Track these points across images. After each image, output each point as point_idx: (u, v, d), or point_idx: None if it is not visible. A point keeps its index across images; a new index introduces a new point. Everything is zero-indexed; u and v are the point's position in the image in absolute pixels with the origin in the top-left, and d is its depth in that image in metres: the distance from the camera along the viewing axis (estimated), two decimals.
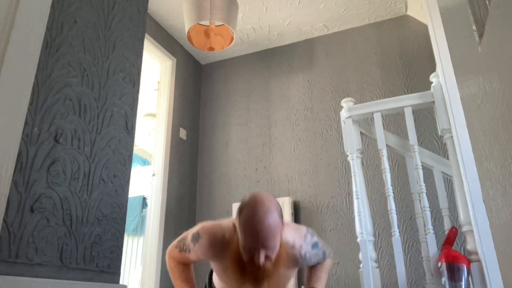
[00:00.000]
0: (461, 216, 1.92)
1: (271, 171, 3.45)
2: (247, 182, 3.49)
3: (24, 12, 1.16)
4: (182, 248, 1.51)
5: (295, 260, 1.40)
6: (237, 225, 1.29)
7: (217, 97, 3.98)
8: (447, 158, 2.20)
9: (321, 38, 3.72)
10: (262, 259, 1.24)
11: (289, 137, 3.50)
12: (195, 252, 1.45)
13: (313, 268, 1.55)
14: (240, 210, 1.28)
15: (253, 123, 3.70)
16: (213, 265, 1.53)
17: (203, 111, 4.00)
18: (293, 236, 1.41)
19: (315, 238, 1.49)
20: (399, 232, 2.55)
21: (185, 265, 1.55)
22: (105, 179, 1.46)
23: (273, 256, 1.27)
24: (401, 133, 3.03)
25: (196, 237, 1.44)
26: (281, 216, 1.30)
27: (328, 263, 1.57)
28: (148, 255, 3.09)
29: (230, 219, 1.47)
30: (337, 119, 3.38)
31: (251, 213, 1.23)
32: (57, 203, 1.25)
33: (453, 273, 1.80)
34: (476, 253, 1.80)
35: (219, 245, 1.38)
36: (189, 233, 1.51)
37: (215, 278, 1.66)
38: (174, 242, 1.56)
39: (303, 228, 1.50)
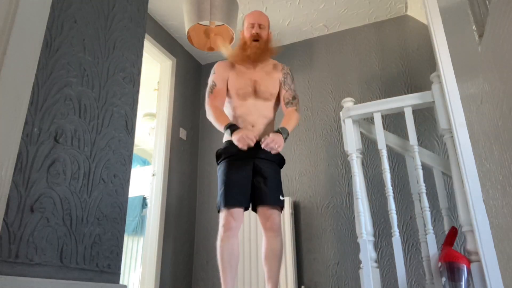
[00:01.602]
0: (461, 216, 1.92)
1: None
2: None
3: (24, 12, 1.16)
4: (211, 89, 2.23)
5: (277, 65, 2.32)
6: (243, 24, 2.33)
7: None
8: (447, 158, 2.20)
9: (321, 38, 3.72)
10: (257, 29, 2.23)
11: (289, 137, 3.50)
12: (218, 76, 2.24)
13: (286, 117, 2.15)
14: (246, 16, 2.35)
15: None
16: (229, 80, 2.23)
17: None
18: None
19: (292, 72, 2.38)
20: (399, 232, 2.55)
21: (218, 106, 2.17)
22: (105, 179, 1.46)
23: (263, 36, 2.25)
24: (401, 133, 3.03)
25: (213, 71, 2.30)
26: (269, 25, 2.34)
27: (296, 115, 2.17)
28: (148, 255, 3.09)
29: None
30: (337, 119, 3.37)
31: (253, 11, 2.35)
32: (57, 203, 1.25)
33: (453, 273, 1.80)
34: (476, 253, 1.80)
35: (226, 61, 2.29)
36: (209, 81, 2.29)
37: (229, 113, 2.23)
38: (206, 97, 2.23)
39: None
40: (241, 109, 2.16)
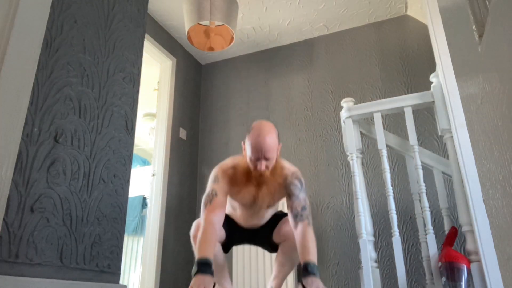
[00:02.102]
0: (461, 216, 1.92)
1: None
2: None
3: (24, 12, 1.16)
4: (210, 198, 1.82)
5: (284, 177, 1.86)
6: (246, 144, 1.79)
7: (217, 97, 3.98)
8: (447, 158, 2.20)
9: (321, 38, 3.72)
10: (263, 167, 1.75)
11: (289, 137, 3.50)
12: (221, 188, 1.84)
13: (302, 242, 1.72)
14: (249, 132, 1.78)
15: (253, 123, 3.70)
16: (230, 194, 1.89)
17: (203, 111, 4.00)
18: (288, 165, 1.92)
19: (302, 180, 1.92)
20: (399, 232, 2.55)
21: (213, 223, 1.75)
22: (105, 179, 1.46)
23: (270, 166, 1.78)
24: (401, 133, 3.03)
25: (216, 179, 1.87)
26: (278, 138, 1.83)
27: (311, 233, 1.75)
28: (148, 255, 3.09)
29: (232, 159, 1.94)
30: (337, 119, 3.37)
31: (257, 134, 1.73)
32: (57, 203, 1.25)
33: (453, 273, 1.80)
34: (476, 253, 1.80)
35: (231, 171, 1.86)
36: (207, 187, 1.88)
37: (228, 209, 2.01)
38: (202, 206, 1.83)
39: (297, 168, 1.95)
40: (242, 212, 1.98)
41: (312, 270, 1.61)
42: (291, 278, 2.84)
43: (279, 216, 2.03)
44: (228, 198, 1.92)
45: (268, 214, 2.00)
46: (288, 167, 1.91)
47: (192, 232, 1.86)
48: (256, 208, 1.92)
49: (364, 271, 2.01)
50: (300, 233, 1.74)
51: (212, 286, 1.52)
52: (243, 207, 1.94)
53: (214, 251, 1.75)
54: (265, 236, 1.99)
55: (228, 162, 1.91)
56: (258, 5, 3.32)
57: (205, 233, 1.68)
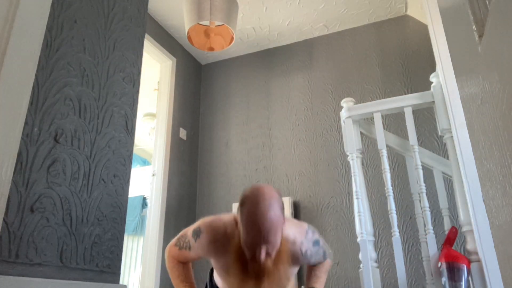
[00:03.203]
0: (461, 216, 1.92)
1: (271, 171, 3.45)
2: (247, 182, 3.49)
3: (24, 12, 1.16)
4: (182, 246, 1.48)
5: (295, 257, 1.37)
6: (238, 220, 1.26)
7: (217, 97, 3.98)
8: (447, 158, 2.20)
9: (321, 38, 3.72)
10: (263, 255, 1.21)
11: (289, 137, 3.50)
12: (196, 249, 1.42)
13: (313, 268, 1.51)
14: (242, 204, 1.25)
15: (253, 123, 3.70)
16: (214, 263, 1.48)
17: (203, 111, 4.00)
18: (294, 232, 1.38)
19: (316, 236, 1.45)
20: (399, 232, 2.55)
21: (184, 264, 1.52)
22: (105, 179, 1.46)
23: (274, 252, 1.24)
24: (401, 133, 3.03)
25: (197, 232, 1.41)
26: (283, 210, 1.27)
27: (328, 264, 1.53)
28: (148, 255, 3.09)
29: (231, 214, 1.44)
30: (337, 119, 3.37)
31: (253, 208, 1.20)
32: (57, 203, 1.25)
33: (453, 273, 1.80)
34: (476, 253, 1.80)
35: (220, 241, 1.34)
36: (189, 230, 1.48)
37: (216, 277, 1.62)
38: (174, 240, 1.53)
39: (304, 225, 1.46)
40: None
41: None
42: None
43: None
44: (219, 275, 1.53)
45: None
46: (295, 236, 1.38)
47: (168, 264, 1.58)
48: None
49: (364, 271, 2.01)
50: (317, 266, 1.51)
51: None
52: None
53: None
54: None
55: (220, 225, 1.38)
56: (258, 5, 3.32)
57: (181, 276, 1.50)
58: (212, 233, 1.37)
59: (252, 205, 1.21)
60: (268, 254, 1.23)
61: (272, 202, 1.23)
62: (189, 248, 1.44)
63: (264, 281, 1.26)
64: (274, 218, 1.21)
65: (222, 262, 1.40)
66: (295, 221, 1.51)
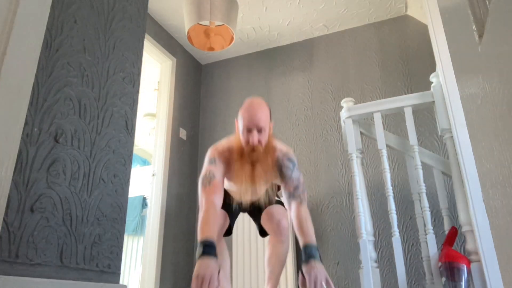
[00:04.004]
0: (461, 216, 1.92)
1: None
2: None
3: (24, 12, 1.17)
4: (210, 179, 1.79)
5: (275, 160, 1.84)
6: (239, 118, 1.81)
7: (217, 97, 3.98)
8: (447, 158, 2.20)
9: (321, 38, 3.72)
10: (255, 139, 1.73)
11: (289, 137, 3.50)
12: (218, 169, 1.82)
13: (298, 224, 1.73)
14: (241, 108, 1.81)
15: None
16: (226, 175, 1.88)
17: (203, 111, 4.00)
18: (280, 145, 1.90)
19: (294, 159, 1.90)
20: (399, 232, 2.55)
21: (215, 203, 1.74)
22: (105, 179, 1.46)
23: (263, 140, 1.77)
24: (401, 133, 3.03)
25: (213, 160, 1.84)
26: (269, 112, 1.83)
27: (304, 213, 1.76)
28: (148, 255, 3.09)
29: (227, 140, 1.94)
30: (337, 119, 3.37)
31: (249, 104, 1.79)
32: (57, 203, 1.25)
33: (453, 273, 1.80)
34: (476, 253, 1.80)
35: (228, 152, 1.85)
36: (205, 167, 1.84)
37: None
38: (201, 187, 1.79)
39: (289, 148, 1.95)
40: (237, 190, 1.95)
41: (311, 252, 1.63)
42: (290, 277, 2.84)
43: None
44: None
45: (262, 190, 1.95)
46: (280, 148, 1.88)
47: (202, 208, 1.78)
48: (252, 187, 1.88)
49: (364, 271, 2.01)
50: (294, 215, 1.75)
51: (217, 273, 1.48)
52: (239, 186, 1.90)
53: (221, 251, 1.80)
54: (259, 212, 2.01)
55: (224, 143, 1.91)
56: (258, 5, 3.32)
57: (207, 213, 1.66)
58: (220, 149, 1.87)
59: (248, 102, 1.80)
60: (259, 141, 1.74)
61: (262, 104, 1.81)
62: (214, 176, 1.80)
63: (257, 166, 1.79)
64: (263, 113, 1.76)
65: (231, 166, 1.86)
66: (285, 145, 1.96)
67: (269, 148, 1.81)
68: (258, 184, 1.85)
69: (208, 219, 1.64)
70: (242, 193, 1.91)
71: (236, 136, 1.87)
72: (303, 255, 1.64)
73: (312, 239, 1.68)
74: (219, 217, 1.82)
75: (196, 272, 1.46)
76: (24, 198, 1.14)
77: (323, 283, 1.58)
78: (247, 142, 1.75)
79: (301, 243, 1.67)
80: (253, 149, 1.75)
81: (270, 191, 2.00)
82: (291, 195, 1.82)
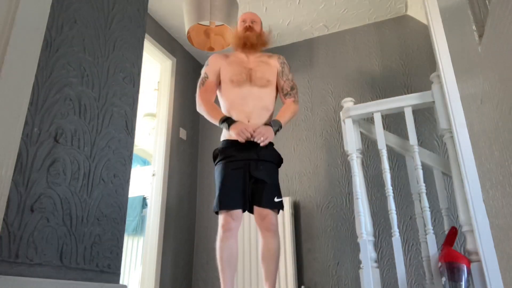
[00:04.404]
0: (461, 216, 1.92)
1: None
2: None
3: (24, 12, 1.17)
4: (203, 80, 2.18)
5: (275, 57, 2.27)
6: (238, 23, 2.35)
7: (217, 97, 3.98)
8: (447, 158, 2.20)
9: (321, 38, 3.72)
10: (249, 23, 2.26)
11: (289, 137, 3.50)
12: (211, 69, 2.18)
13: (282, 109, 2.20)
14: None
15: None
16: (222, 73, 2.18)
17: None
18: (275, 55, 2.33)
19: (288, 63, 2.33)
20: (399, 232, 2.55)
21: (210, 95, 2.17)
22: (105, 179, 1.46)
23: (256, 27, 2.27)
24: (401, 133, 3.03)
25: (206, 63, 2.24)
26: (261, 25, 2.38)
27: (293, 107, 2.21)
28: (148, 255, 3.09)
29: None
30: (337, 119, 3.37)
31: (246, 12, 2.40)
32: (57, 203, 1.25)
33: (453, 273, 1.80)
34: (476, 253, 1.80)
35: (222, 54, 2.24)
36: (201, 73, 2.22)
37: (223, 104, 2.21)
38: (198, 89, 2.18)
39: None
40: (236, 98, 2.12)
41: (274, 123, 2.10)
42: (290, 277, 2.84)
43: (275, 162, 2.18)
44: (220, 94, 2.19)
45: (265, 100, 2.17)
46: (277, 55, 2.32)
47: (222, 224, 1.96)
48: (255, 80, 2.13)
49: (364, 271, 2.01)
50: (285, 105, 2.21)
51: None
52: (238, 85, 2.13)
53: (233, 247, 1.96)
54: (257, 192, 2.03)
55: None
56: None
57: (209, 104, 2.10)
58: (216, 55, 2.25)
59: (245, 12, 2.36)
60: (252, 27, 2.25)
61: (256, 14, 2.37)
62: (207, 77, 2.16)
63: (253, 46, 2.21)
64: (256, 15, 2.34)
65: (226, 59, 2.21)
66: None
67: (263, 40, 2.26)
68: (255, 73, 2.13)
69: (213, 107, 2.08)
70: (243, 101, 2.11)
71: (234, 33, 2.32)
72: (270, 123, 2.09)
73: (282, 120, 2.14)
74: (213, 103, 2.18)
75: (238, 134, 1.94)
76: (24, 198, 1.14)
77: (262, 136, 1.97)
78: (244, 27, 2.24)
79: (274, 118, 2.14)
80: (248, 29, 2.23)
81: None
82: (288, 94, 2.23)
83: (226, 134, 2.14)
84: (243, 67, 2.16)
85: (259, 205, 2.00)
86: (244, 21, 2.29)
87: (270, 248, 1.98)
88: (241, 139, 1.93)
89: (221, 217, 1.98)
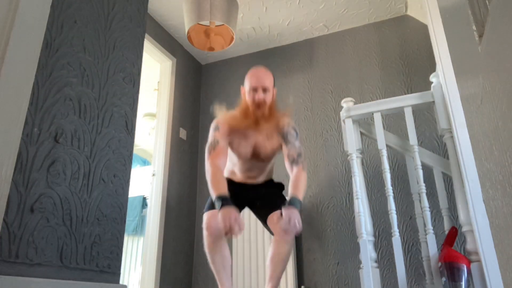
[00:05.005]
0: (461, 216, 1.92)
1: None
2: None
3: (24, 12, 1.17)
4: (214, 145, 1.98)
5: (281, 126, 2.03)
6: (245, 83, 2.01)
7: (217, 97, 3.98)
8: (447, 158, 2.20)
9: (321, 38, 3.72)
10: (260, 95, 1.93)
11: None
12: (221, 134, 2.01)
13: (294, 181, 1.94)
14: (248, 73, 2.03)
15: None
16: (230, 144, 2.04)
17: (203, 111, 4.00)
18: (284, 113, 2.08)
19: (296, 128, 2.10)
20: (399, 232, 2.55)
21: (219, 166, 1.93)
22: (105, 179, 1.46)
23: (268, 100, 1.96)
24: (401, 133, 3.03)
25: (216, 127, 2.05)
26: (274, 82, 2.05)
27: (303, 176, 1.98)
28: (148, 255, 3.08)
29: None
30: (337, 119, 3.37)
31: (254, 69, 2.03)
32: (57, 203, 1.25)
33: (453, 273, 1.80)
34: (476, 253, 1.80)
35: (230, 116, 2.05)
36: (210, 135, 2.05)
37: (227, 170, 2.15)
38: (206, 154, 2.00)
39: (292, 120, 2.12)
40: (241, 165, 2.11)
41: (294, 203, 1.83)
42: (290, 277, 2.84)
43: (276, 187, 2.19)
44: (228, 154, 2.07)
45: (267, 168, 2.14)
46: (283, 114, 2.08)
47: (204, 223, 1.92)
48: (259, 157, 2.04)
49: (364, 271, 2.01)
50: (294, 175, 1.97)
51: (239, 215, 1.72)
52: (242, 159, 2.06)
53: (222, 249, 1.93)
54: (263, 205, 2.06)
55: (227, 112, 2.09)
56: (258, 5, 3.32)
57: (215, 175, 1.87)
58: (223, 116, 2.07)
59: (253, 68, 2.03)
60: (264, 100, 1.94)
61: (267, 70, 2.04)
62: (217, 142, 1.99)
63: (261, 130, 1.99)
64: (268, 76, 1.99)
65: (234, 132, 2.03)
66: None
67: (274, 112, 2.01)
68: (261, 149, 2.02)
69: (217, 179, 1.86)
70: (246, 169, 2.06)
71: (242, 102, 2.05)
72: (287, 203, 1.84)
73: (300, 195, 1.89)
74: (224, 176, 1.97)
75: (222, 218, 1.67)
76: (24, 198, 1.14)
77: (296, 222, 1.75)
78: (253, 100, 1.94)
79: (289, 196, 1.88)
80: (258, 106, 1.95)
81: (269, 168, 2.18)
82: (295, 161, 2.02)
83: (227, 173, 2.15)
84: (248, 144, 2.02)
85: (270, 211, 1.98)
86: (254, 89, 1.96)
87: (280, 252, 1.95)
88: (223, 226, 1.69)
89: (204, 218, 1.96)
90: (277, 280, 1.97)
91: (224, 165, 1.96)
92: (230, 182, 2.04)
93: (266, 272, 2.02)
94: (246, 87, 2.00)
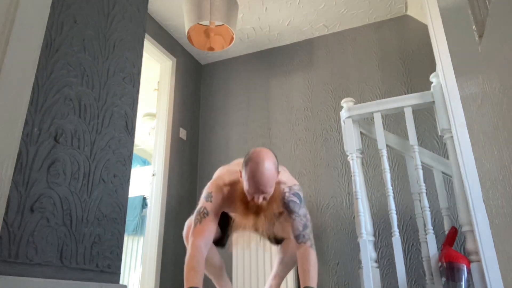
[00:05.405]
0: (461, 216, 1.92)
1: None
2: None
3: (24, 12, 1.17)
4: (201, 218, 1.72)
5: (281, 200, 1.77)
6: (243, 174, 1.68)
7: (217, 97, 3.98)
8: (447, 158, 2.20)
9: (321, 38, 3.72)
10: (260, 200, 1.67)
11: (289, 137, 3.50)
12: (212, 207, 1.74)
13: (303, 266, 1.68)
14: (246, 164, 1.66)
15: (253, 123, 3.70)
16: (227, 210, 1.83)
17: (203, 111, 4.00)
18: (285, 178, 1.82)
19: (300, 193, 1.83)
20: (399, 232, 2.55)
21: (200, 248, 1.66)
22: (105, 179, 1.46)
23: (268, 197, 1.69)
24: (401, 133, 3.03)
25: (209, 196, 1.76)
26: (277, 168, 1.71)
27: (313, 256, 1.70)
28: (148, 255, 3.09)
29: (236, 166, 1.87)
30: (337, 119, 3.37)
31: (254, 168, 1.62)
32: (57, 203, 1.25)
33: (453, 273, 1.80)
34: (476, 253, 1.80)
35: (227, 189, 1.77)
36: (201, 203, 1.77)
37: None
38: (191, 225, 1.75)
39: (296, 181, 1.87)
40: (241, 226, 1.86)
41: None
42: (290, 277, 2.84)
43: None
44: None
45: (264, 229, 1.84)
46: (285, 181, 1.81)
47: (184, 233, 1.87)
48: (254, 231, 1.84)
49: (364, 271, 2.01)
50: (302, 256, 1.68)
51: None
52: (241, 225, 1.81)
53: (209, 255, 1.81)
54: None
55: (225, 177, 1.81)
56: (258, 5, 3.32)
57: (192, 260, 1.61)
58: (220, 184, 1.78)
59: (254, 166, 1.62)
60: (264, 198, 1.68)
61: (269, 163, 1.65)
62: (206, 214, 1.73)
63: (261, 215, 1.70)
64: (270, 176, 1.64)
65: (231, 208, 1.79)
66: (291, 177, 1.92)
67: (275, 196, 1.72)
68: (263, 232, 1.80)
69: (194, 266, 1.60)
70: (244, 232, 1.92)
71: (239, 185, 1.75)
72: None
73: (315, 284, 1.64)
74: (204, 264, 1.70)
75: None
76: (24, 198, 1.14)
77: None
78: (252, 199, 1.69)
79: (302, 284, 1.64)
80: (257, 205, 1.69)
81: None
82: (301, 236, 1.73)
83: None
84: (246, 224, 1.77)
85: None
86: (254, 191, 1.66)
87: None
88: None
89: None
90: (282, 278, 1.99)
91: (208, 244, 1.70)
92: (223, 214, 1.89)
93: (261, 273, 2.04)
94: (244, 183, 1.68)
